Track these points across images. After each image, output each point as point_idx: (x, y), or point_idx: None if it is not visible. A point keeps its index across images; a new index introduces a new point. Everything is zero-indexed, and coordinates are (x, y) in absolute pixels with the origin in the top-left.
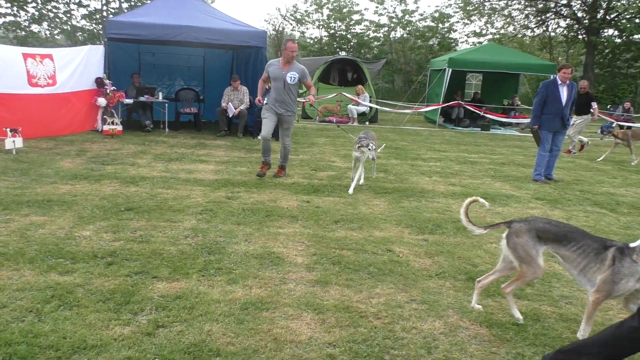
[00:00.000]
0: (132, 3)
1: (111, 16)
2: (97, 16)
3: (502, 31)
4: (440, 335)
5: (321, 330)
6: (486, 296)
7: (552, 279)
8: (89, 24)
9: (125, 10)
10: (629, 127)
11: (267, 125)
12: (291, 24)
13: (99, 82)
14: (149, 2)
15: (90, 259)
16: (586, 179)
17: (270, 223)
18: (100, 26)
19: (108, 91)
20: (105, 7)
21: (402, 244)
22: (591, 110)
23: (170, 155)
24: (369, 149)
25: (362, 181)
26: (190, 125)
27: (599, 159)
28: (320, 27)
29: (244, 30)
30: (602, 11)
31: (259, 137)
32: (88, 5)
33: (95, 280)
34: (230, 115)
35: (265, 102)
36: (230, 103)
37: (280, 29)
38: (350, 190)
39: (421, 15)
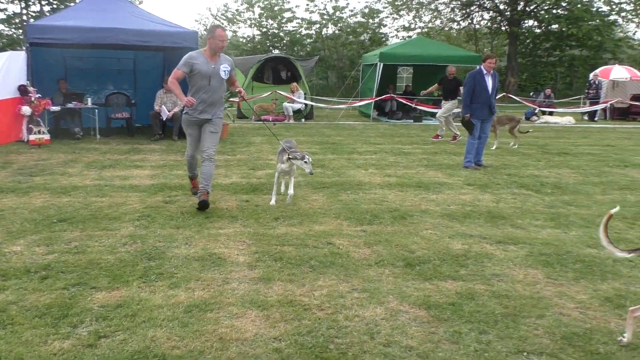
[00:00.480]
0: (55, 6)
1: (32, 20)
2: (17, 20)
3: (430, 25)
4: (382, 321)
5: (266, 326)
6: (423, 280)
7: (484, 259)
8: (7, 28)
9: (48, 14)
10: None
11: (193, 144)
12: (222, 24)
13: (22, 89)
14: (72, 4)
15: (22, 274)
16: (513, 163)
17: (210, 225)
18: (21, 31)
19: (32, 99)
20: (25, 11)
21: (342, 236)
22: (459, 96)
23: (103, 162)
24: (306, 162)
25: (291, 190)
26: (122, 131)
27: (492, 148)
28: (252, 25)
29: (174, 31)
30: (522, 3)
31: (186, 156)
32: (5, 9)
33: (29, 296)
34: (164, 119)
35: (185, 110)
36: (163, 106)
37: None
38: (273, 201)
39: (351, 11)
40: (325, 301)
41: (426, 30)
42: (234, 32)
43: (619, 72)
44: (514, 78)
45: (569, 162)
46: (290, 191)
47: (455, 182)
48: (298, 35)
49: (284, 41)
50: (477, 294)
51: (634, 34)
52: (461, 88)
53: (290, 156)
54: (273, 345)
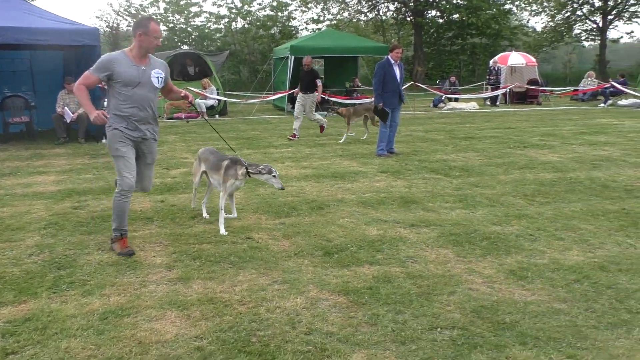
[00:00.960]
0: None
1: None
2: None
3: (338, 17)
4: (303, 310)
5: (187, 325)
6: (342, 267)
7: (398, 243)
8: None
9: None
10: (354, 105)
11: (130, 166)
12: (126, 20)
13: None
14: None
15: None
16: (423, 149)
17: None
18: None
19: None
20: None
21: (261, 230)
22: (316, 89)
23: (2, 170)
24: (274, 176)
25: (235, 213)
26: (22, 136)
27: (339, 141)
28: (158, 21)
29: (73, 29)
30: None
31: (118, 188)
32: None
33: None
34: (67, 121)
35: (108, 124)
36: (66, 107)
37: (115, 24)
38: (222, 231)
39: (260, 4)
40: (246, 295)
41: (335, 22)
42: None
43: (515, 58)
44: (421, 67)
45: (474, 145)
46: (234, 214)
47: (369, 171)
48: (207, 30)
49: (193, 36)
50: (393, 276)
51: (527, 22)
52: (318, 81)
53: (251, 171)
54: (194, 344)
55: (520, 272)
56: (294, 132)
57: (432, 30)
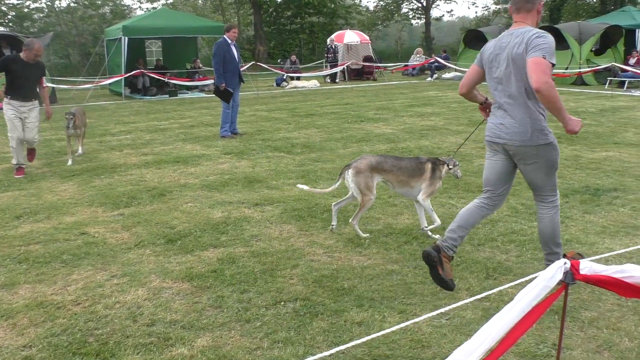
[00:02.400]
0: None
1: None
2: None
3: None
4: (145, 302)
5: (13, 335)
6: (185, 253)
7: (243, 223)
8: None
9: None
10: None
11: None
12: None
13: None
14: None
15: None
16: (266, 128)
17: None
18: None
19: None
20: None
21: (97, 224)
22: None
23: None
24: (458, 166)
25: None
26: None
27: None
28: None
29: None
30: None
31: None
32: None
33: None
34: None
35: None
36: None
37: None
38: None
39: None
40: (82, 294)
41: (171, 1)
42: None
43: (350, 36)
44: (262, 47)
45: (315, 122)
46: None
47: (213, 153)
48: (26, 10)
49: (9, 16)
50: (238, 256)
51: (360, 1)
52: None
53: (450, 166)
54: (22, 354)
55: (357, 240)
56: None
57: (271, 10)
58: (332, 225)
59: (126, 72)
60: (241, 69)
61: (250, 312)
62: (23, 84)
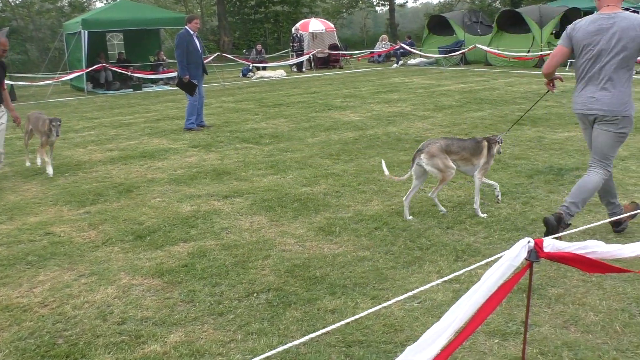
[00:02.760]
0: None
1: None
2: None
3: None
4: (115, 300)
5: None
6: (155, 248)
7: (213, 216)
8: None
9: None
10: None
11: None
12: None
13: None
14: None
15: None
16: (234, 119)
17: None
18: None
19: None
20: None
21: (63, 223)
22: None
23: None
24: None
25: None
26: None
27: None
28: None
29: None
30: None
31: None
32: None
33: None
34: None
35: None
36: None
37: None
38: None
39: None
40: (49, 296)
41: None
42: None
43: (315, 25)
44: (227, 37)
45: (283, 112)
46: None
47: (180, 147)
48: None
49: None
50: (208, 250)
51: None
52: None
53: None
54: None
55: (328, 228)
56: None
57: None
58: (408, 218)
59: (87, 67)
60: (206, 61)
61: (223, 305)
62: None
